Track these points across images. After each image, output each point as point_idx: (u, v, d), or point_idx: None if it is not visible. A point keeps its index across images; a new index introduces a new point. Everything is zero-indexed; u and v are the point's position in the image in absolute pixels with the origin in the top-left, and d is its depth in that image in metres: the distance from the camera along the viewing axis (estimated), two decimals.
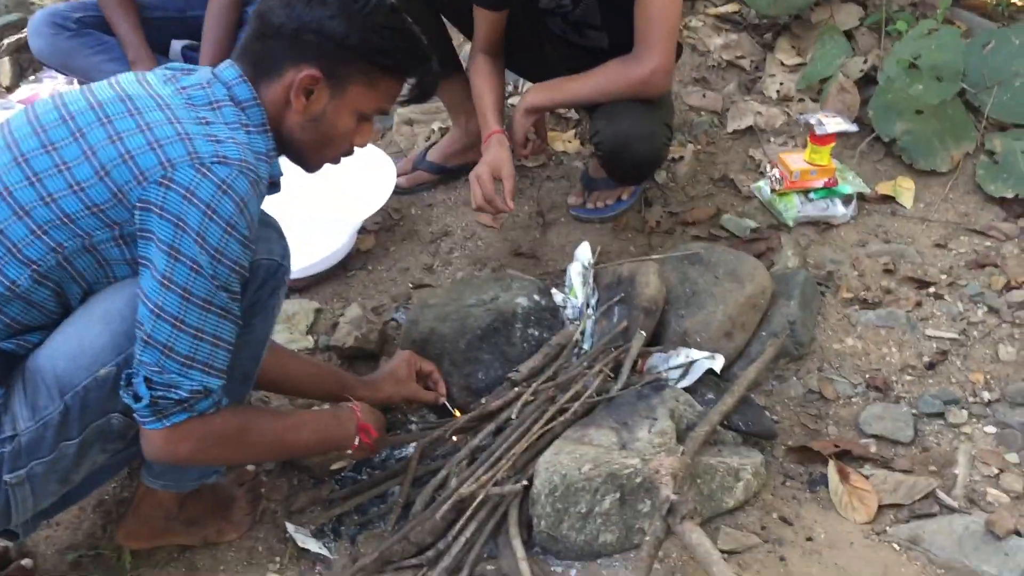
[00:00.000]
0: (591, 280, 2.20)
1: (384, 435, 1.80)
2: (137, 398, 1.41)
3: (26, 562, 1.79)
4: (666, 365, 2.05)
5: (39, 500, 1.51)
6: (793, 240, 2.46)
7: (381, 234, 2.63)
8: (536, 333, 2.06)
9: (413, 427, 2.05)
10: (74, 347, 1.44)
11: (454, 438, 1.94)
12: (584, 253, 2.27)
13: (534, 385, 1.93)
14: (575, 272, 2.23)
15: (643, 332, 1.98)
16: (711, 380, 2.05)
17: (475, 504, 1.73)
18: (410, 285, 2.45)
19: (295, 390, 1.94)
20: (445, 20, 2.56)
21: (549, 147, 2.70)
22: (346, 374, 1.97)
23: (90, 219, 1.39)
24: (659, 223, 2.60)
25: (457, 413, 2.01)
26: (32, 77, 3.43)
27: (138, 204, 1.38)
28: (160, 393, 1.41)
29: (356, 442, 1.71)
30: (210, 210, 1.37)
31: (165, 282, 1.38)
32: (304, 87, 1.50)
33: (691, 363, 2.04)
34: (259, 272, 1.56)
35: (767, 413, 2.03)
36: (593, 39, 2.43)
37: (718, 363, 2.05)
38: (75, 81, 2.94)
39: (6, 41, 3.49)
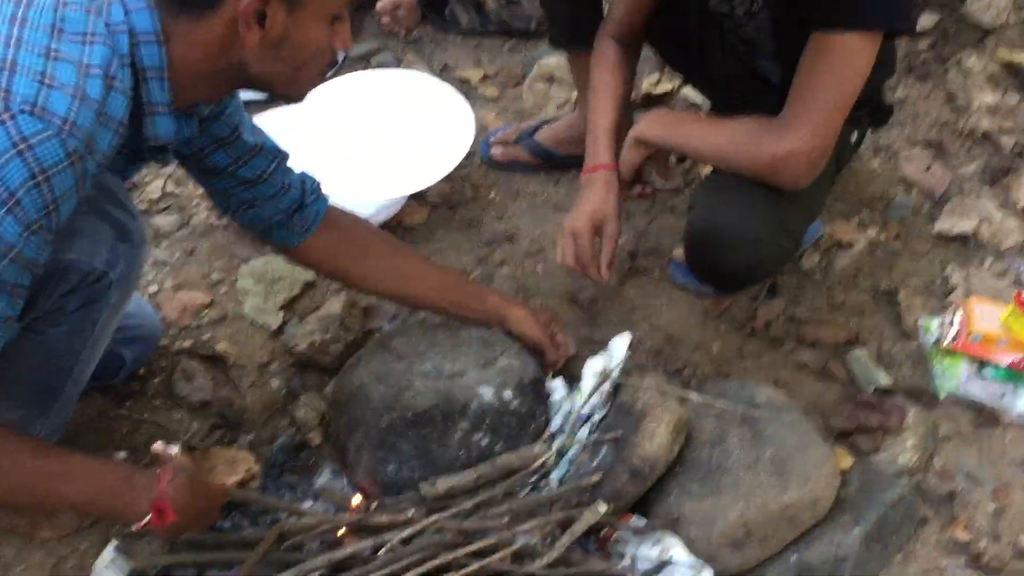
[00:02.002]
0: (607, 388, 1.64)
1: (200, 518, 1.41)
2: None
3: None
4: (635, 550, 1.50)
5: None
6: (929, 423, 1.74)
7: (438, 211, 2.15)
8: (484, 442, 1.54)
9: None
10: None
11: (341, 532, 1.52)
12: (618, 348, 1.70)
13: (438, 516, 1.44)
14: (592, 370, 1.67)
15: (603, 505, 1.42)
16: None
17: None
18: None
19: (417, 299, 1.75)
20: None
21: (669, 183, 2.06)
22: (481, 287, 1.85)
23: None
24: (770, 325, 1.95)
25: (356, 501, 1.57)
26: None
27: None
28: None
29: (143, 521, 1.31)
30: None
31: None
32: (253, 13, 1.15)
33: (666, 564, 1.48)
34: (68, 274, 1.25)
35: None
36: (764, 68, 1.77)
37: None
38: None
39: None
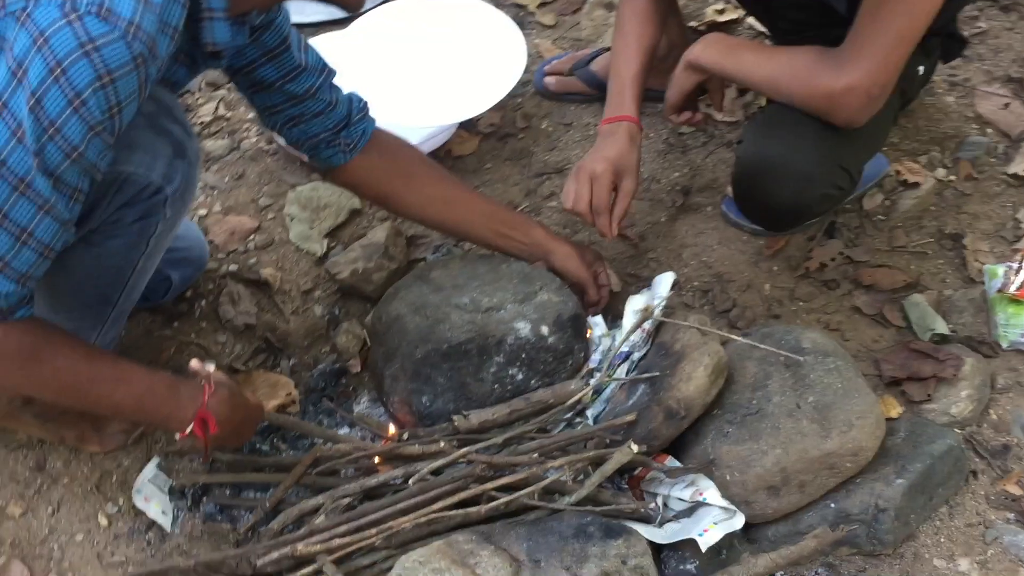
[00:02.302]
0: (648, 326, 1.61)
1: (239, 431, 1.43)
2: None
3: None
4: (667, 491, 1.48)
5: None
6: (987, 373, 1.67)
7: (488, 141, 2.11)
8: (519, 377, 1.53)
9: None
10: None
11: (375, 459, 1.53)
12: (662, 286, 1.66)
13: (468, 449, 1.44)
14: (633, 307, 1.64)
15: (634, 446, 1.40)
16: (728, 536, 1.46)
17: (308, 571, 1.35)
18: None
19: (460, 228, 1.74)
20: None
21: (723, 114, 1.97)
22: (527, 220, 1.76)
23: None
24: (825, 266, 1.88)
25: (392, 430, 1.58)
26: None
27: None
28: None
29: (187, 429, 1.34)
30: (59, 68, 1.04)
31: None
32: None
33: (698, 506, 1.46)
34: (126, 187, 1.27)
35: None
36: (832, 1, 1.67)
37: (737, 522, 1.45)
38: None
39: None
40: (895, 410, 1.64)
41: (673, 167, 2.07)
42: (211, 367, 1.42)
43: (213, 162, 2.05)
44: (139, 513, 1.53)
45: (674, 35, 2.03)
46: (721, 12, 2.36)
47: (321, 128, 1.55)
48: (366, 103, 1.60)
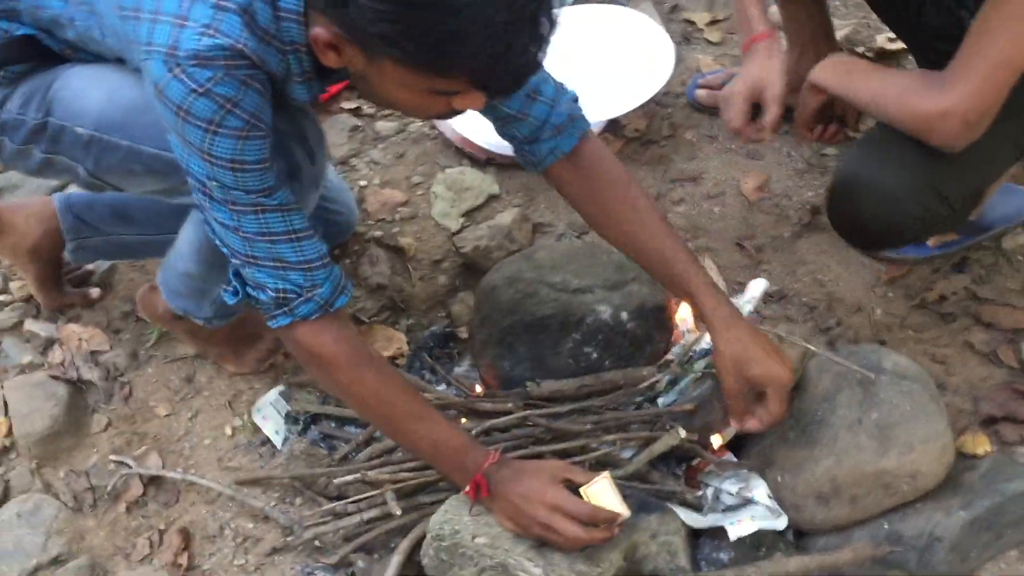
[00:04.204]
0: None
1: (508, 500, 1.37)
2: (236, 292, 1.37)
3: (94, 291, 1.97)
4: (719, 484, 1.53)
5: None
6: None
7: (631, 145, 2.21)
8: (593, 355, 1.63)
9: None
10: None
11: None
12: (755, 290, 1.70)
13: (533, 412, 1.56)
14: None
15: (682, 432, 1.46)
16: (773, 536, 1.50)
17: (373, 494, 1.52)
18: None
19: (638, 261, 1.54)
20: None
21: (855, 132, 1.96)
22: (705, 285, 1.45)
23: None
24: (945, 299, 1.84)
25: (478, 389, 1.73)
26: None
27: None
28: (251, 291, 1.34)
29: (465, 488, 1.40)
30: (182, 111, 1.17)
31: (192, 180, 1.26)
32: (323, 43, 1.15)
33: (747, 503, 1.50)
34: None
35: None
36: (964, 20, 1.66)
37: (780, 523, 1.48)
38: None
39: None
40: (983, 447, 1.60)
41: (809, 186, 2.09)
42: None
43: (381, 141, 2.28)
44: (257, 429, 1.76)
45: (824, 54, 2.05)
46: (894, 40, 2.33)
47: (511, 135, 1.51)
48: (567, 119, 1.48)
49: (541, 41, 1.11)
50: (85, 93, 1.46)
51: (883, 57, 2.32)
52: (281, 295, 1.31)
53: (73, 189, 1.92)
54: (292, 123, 1.43)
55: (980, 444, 1.60)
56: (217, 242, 1.32)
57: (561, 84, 1.49)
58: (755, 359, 1.39)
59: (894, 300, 1.86)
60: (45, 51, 1.48)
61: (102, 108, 1.45)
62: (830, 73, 1.65)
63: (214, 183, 1.23)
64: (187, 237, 1.58)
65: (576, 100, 1.51)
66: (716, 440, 1.58)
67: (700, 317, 1.47)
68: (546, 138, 1.48)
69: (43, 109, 1.47)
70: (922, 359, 1.74)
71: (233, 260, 1.32)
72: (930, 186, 1.54)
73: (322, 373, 1.38)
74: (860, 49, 2.34)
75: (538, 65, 1.14)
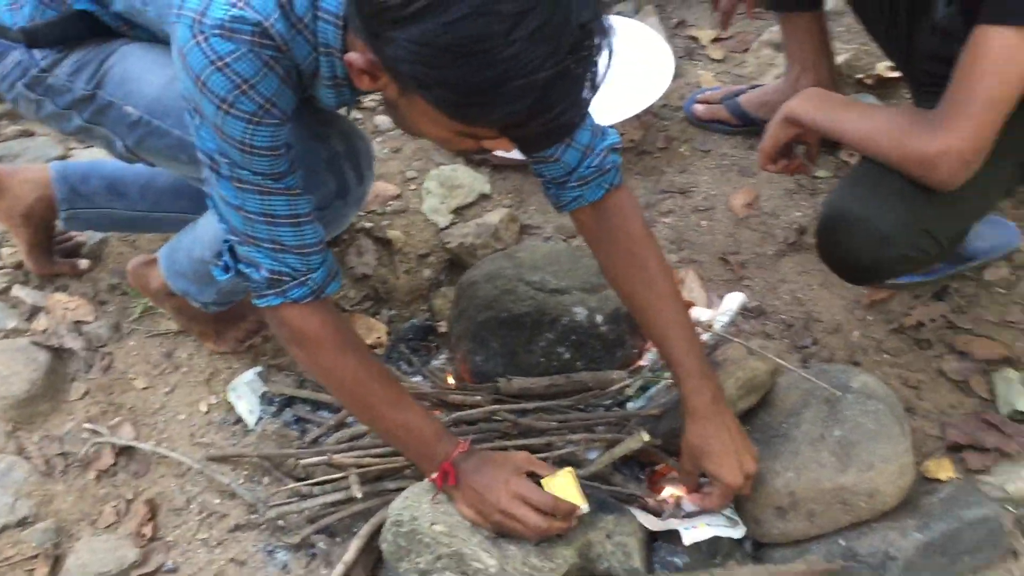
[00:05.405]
0: (705, 338, 1.67)
1: (471, 488, 1.38)
2: (226, 268, 1.37)
3: (83, 263, 2.00)
4: (679, 491, 1.54)
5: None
6: None
7: (625, 154, 2.20)
8: (566, 355, 1.65)
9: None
10: None
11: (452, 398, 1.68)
12: (730, 303, 1.72)
13: (502, 407, 1.58)
14: (698, 316, 1.71)
15: (646, 435, 1.47)
16: (730, 544, 1.51)
17: (338, 477, 1.54)
18: None
19: (639, 324, 1.55)
20: None
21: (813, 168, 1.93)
22: (699, 370, 1.43)
23: None
24: (922, 325, 1.85)
25: (451, 382, 1.75)
26: None
27: None
28: (244, 268, 1.34)
29: (432, 475, 1.41)
30: (200, 82, 1.16)
31: (201, 155, 1.25)
32: (359, 69, 1.11)
33: (706, 512, 1.51)
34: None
35: None
36: (954, 45, 1.67)
37: (736, 532, 1.49)
38: None
39: None
40: (947, 473, 1.61)
41: (797, 206, 2.10)
42: None
43: (378, 135, 2.31)
44: (231, 407, 1.78)
45: (823, 76, 2.07)
46: (893, 69, 2.35)
47: (537, 170, 1.49)
48: (597, 171, 1.45)
49: (582, 105, 1.04)
50: (141, 76, 1.48)
51: (882, 85, 2.33)
52: (275, 276, 1.31)
53: (71, 159, 1.95)
54: (347, 143, 1.45)
55: (944, 470, 1.61)
56: (216, 217, 1.33)
57: (602, 129, 1.45)
58: (713, 456, 1.42)
59: (873, 323, 1.88)
60: (103, 27, 1.50)
61: (158, 95, 1.47)
62: (809, 107, 1.62)
63: (223, 159, 1.22)
64: (213, 225, 1.55)
65: (616, 148, 1.46)
66: (670, 491, 1.57)
67: (681, 400, 1.46)
68: (572, 186, 1.45)
69: (94, 82, 1.50)
70: (894, 383, 1.75)
71: (231, 237, 1.32)
72: (921, 225, 1.53)
73: (305, 354, 1.38)
74: (859, 76, 2.36)
75: (574, 127, 1.07)
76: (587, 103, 1.05)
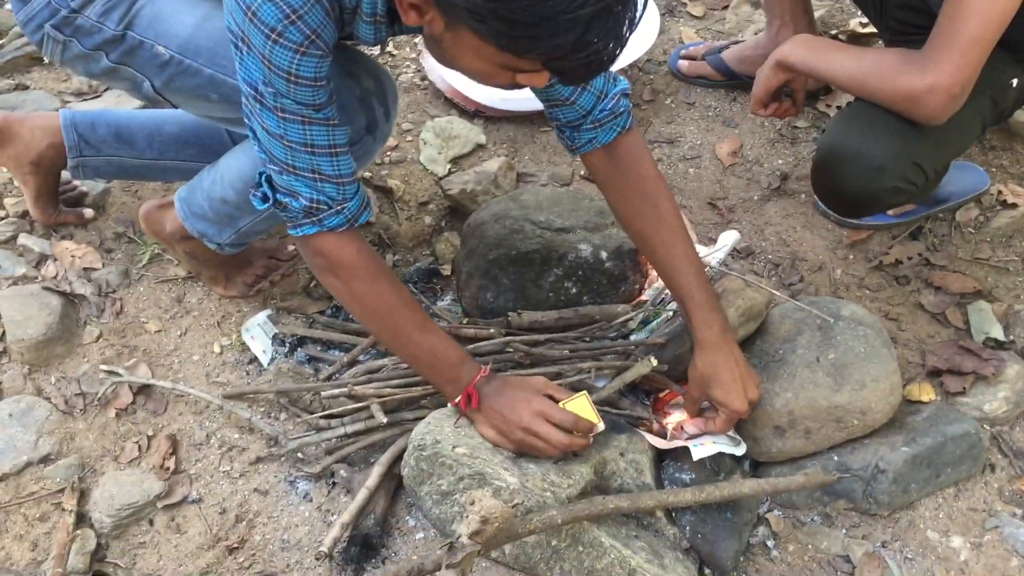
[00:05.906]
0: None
1: (494, 408, 1.46)
2: (265, 198, 1.41)
3: (88, 212, 2.02)
4: (684, 415, 1.64)
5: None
6: None
7: None
8: (573, 290, 1.73)
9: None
10: None
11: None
12: (726, 240, 1.81)
13: (515, 338, 1.65)
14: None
15: (654, 360, 1.57)
16: (730, 462, 1.61)
17: (358, 406, 1.61)
18: (581, 175, 2.16)
19: (649, 253, 1.59)
20: None
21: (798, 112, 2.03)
22: (708, 306, 1.52)
23: None
24: (900, 263, 1.97)
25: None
26: None
27: None
28: (282, 197, 1.39)
29: (457, 399, 1.48)
30: (250, 12, 1.21)
31: (244, 87, 1.30)
32: (409, 4, 1.16)
33: (708, 432, 1.61)
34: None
35: (733, 544, 1.54)
36: (932, 4, 1.77)
37: (738, 450, 1.59)
38: None
39: None
40: (927, 395, 1.72)
41: (779, 155, 2.20)
42: None
43: None
44: (244, 348, 1.83)
45: (802, 30, 2.16)
46: (865, 25, 2.45)
47: (552, 115, 1.54)
48: (610, 114, 1.51)
49: (621, 39, 1.12)
50: (174, 16, 1.51)
51: (855, 39, 2.43)
52: (314, 205, 1.37)
53: (79, 107, 1.97)
54: (376, 81, 1.50)
55: (925, 392, 1.72)
56: (256, 148, 1.37)
57: (613, 75, 1.52)
58: (721, 384, 1.51)
59: (854, 262, 1.98)
60: None
61: (191, 34, 1.50)
62: (801, 51, 1.72)
63: (268, 88, 1.26)
64: (235, 165, 1.63)
65: (626, 94, 1.53)
66: (676, 418, 1.65)
67: (690, 330, 1.54)
68: (587, 128, 1.52)
69: (124, 22, 1.52)
70: (876, 315, 1.85)
71: (270, 167, 1.37)
72: (910, 157, 1.64)
73: (340, 281, 1.44)
74: (833, 32, 2.46)
75: (612, 61, 1.14)
76: (626, 40, 1.12)
